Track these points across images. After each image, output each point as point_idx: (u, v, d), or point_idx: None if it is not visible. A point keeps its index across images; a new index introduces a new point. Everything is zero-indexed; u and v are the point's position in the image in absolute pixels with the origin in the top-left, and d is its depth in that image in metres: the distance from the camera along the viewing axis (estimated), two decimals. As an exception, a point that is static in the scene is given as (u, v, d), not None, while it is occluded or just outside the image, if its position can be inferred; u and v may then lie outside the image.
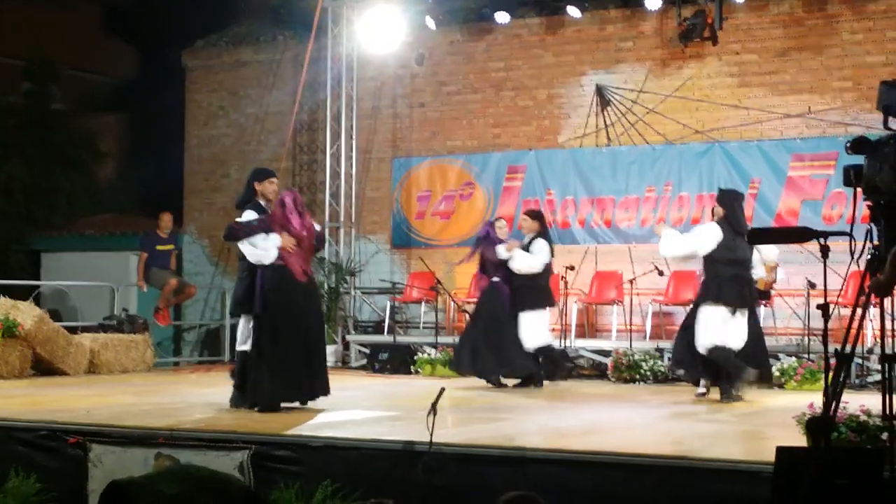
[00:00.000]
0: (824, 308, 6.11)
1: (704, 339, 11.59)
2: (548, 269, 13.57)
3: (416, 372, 15.38)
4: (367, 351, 16.81)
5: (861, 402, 7.31)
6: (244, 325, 10.62)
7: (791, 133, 16.06)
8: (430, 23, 17.74)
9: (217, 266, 19.99)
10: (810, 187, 15.73)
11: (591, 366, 15.74)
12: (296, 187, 19.39)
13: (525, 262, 13.42)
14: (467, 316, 15.23)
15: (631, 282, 15.76)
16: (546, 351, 13.54)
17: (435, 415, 7.47)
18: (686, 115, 16.69)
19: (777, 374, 13.38)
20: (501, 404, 11.55)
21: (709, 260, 11.77)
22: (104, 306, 17.83)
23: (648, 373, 14.25)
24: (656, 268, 14.65)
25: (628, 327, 15.81)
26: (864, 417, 7.11)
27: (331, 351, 15.68)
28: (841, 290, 12.55)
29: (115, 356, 15.40)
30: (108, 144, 24.95)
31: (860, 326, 5.88)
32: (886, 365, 5.82)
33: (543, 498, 6.49)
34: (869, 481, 5.85)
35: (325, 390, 10.41)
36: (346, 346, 17.71)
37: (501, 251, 13.50)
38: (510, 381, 13.52)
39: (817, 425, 6.02)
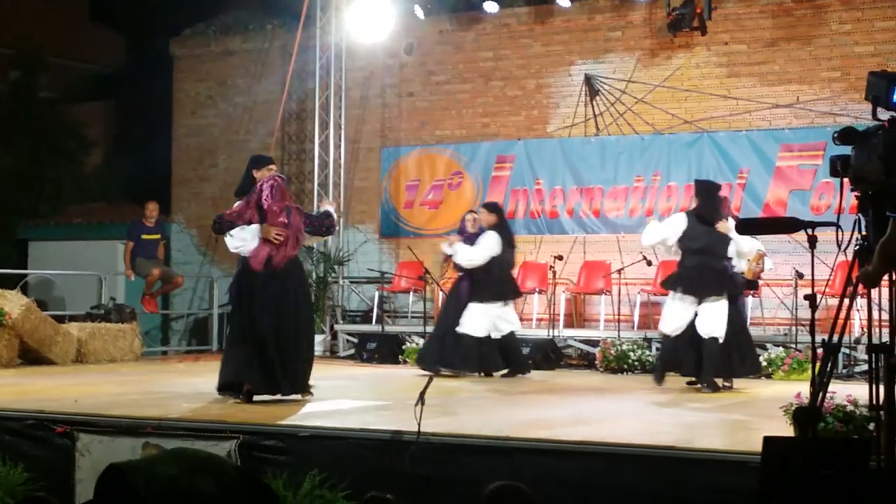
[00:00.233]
0: (812, 298, 6.11)
1: (662, 326, 12.10)
2: (499, 261, 13.48)
3: (405, 361, 15.37)
4: (355, 340, 16.81)
5: (848, 393, 7.33)
6: None
7: (780, 123, 16.08)
8: (419, 12, 17.72)
9: (205, 255, 19.96)
10: (798, 177, 15.75)
11: (579, 356, 15.76)
12: (284, 176, 19.36)
13: (465, 256, 13.54)
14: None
15: (619, 271, 15.78)
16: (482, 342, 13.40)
17: (423, 405, 7.47)
18: (675, 104, 16.71)
19: (764, 364, 13.42)
20: (490, 394, 11.56)
21: (679, 249, 12.01)
22: (92, 295, 17.79)
23: (636, 363, 14.27)
24: (644, 257, 14.66)
25: (616, 317, 15.83)
26: (850, 408, 7.12)
27: (319, 340, 15.66)
28: (828, 280, 12.60)
29: (102, 345, 15.36)
30: (96, 133, 24.87)
31: (847, 317, 5.88)
32: (873, 355, 5.83)
33: (532, 488, 6.49)
34: (855, 471, 5.86)
35: (294, 387, 10.05)
36: (335, 335, 17.71)
37: (444, 247, 13.68)
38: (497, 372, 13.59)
39: (804, 415, 6.03)
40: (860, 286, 5.86)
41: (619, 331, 15.22)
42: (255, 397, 9.93)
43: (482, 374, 13.43)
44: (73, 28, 26.79)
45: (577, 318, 16.87)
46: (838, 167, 6.05)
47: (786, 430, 7.26)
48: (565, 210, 17.17)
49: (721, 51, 16.47)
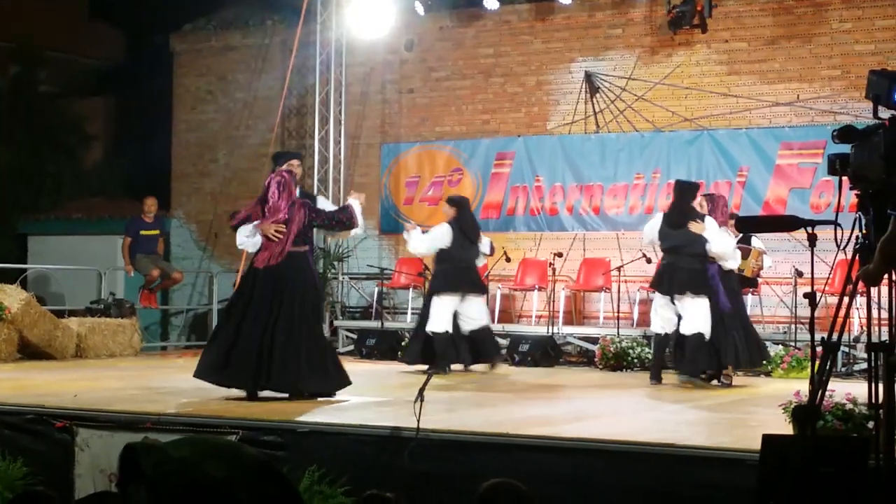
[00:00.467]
0: (811, 297, 6.11)
1: (651, 326, 12.58)
2: (449, 254, 13.46)
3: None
4: (354, 336, 16.82)
5: (847, 391, 7.34)
6: None
7: (780, 121, 16.08)
8: (420, 8, 17.72)
9: (204, 251, 19.97)
10: (798, 175, 15.75)
11: (578, 353, 15.76)
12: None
13: (411, 244, 13.75)
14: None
15: (619, 269, 15.78)
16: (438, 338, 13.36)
17: (422, 401, 7.48)
18: (675, 102, 16.71)
19: (763, 361, 13.42)
20: (489, 391, 11.57)
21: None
22: (91, 290, 17.80)
23: (636, 360, 14.27)
24: (644, 255, 14.67)
25: (616, 314, 15.83)
26: (849, 406, 7.14)
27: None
28: (828, 278, 12.60)
29: (102, 340, 15.36)
30: (96, 128, 24.85)
31: (847, 315, 5.89)
32: (872, 354, 5.83)
33: (530, 485, 6.49)
34: (854, 470, 5.87)
35: (278, 385, 9.91)
36: (334, 331, 17.69)
37: (404, 233, 13.80)
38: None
39: (803, 413, 6.03)
40: (860, 284, 5.86)
41: (618, 328, 15.23)
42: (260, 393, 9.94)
43: (466, 369, 13.46)
44: (73, 23, 26.76)
45: (576, 315, 16.87)
46: (837, 166, 6.06)
47: (785, 428, 7.27)
48: (565, 207, 17.17)
49: (721, 48, 16.47)
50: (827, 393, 6.32)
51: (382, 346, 15.88)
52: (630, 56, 17.04)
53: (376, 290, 17.75)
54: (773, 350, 13.71)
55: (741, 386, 12.25)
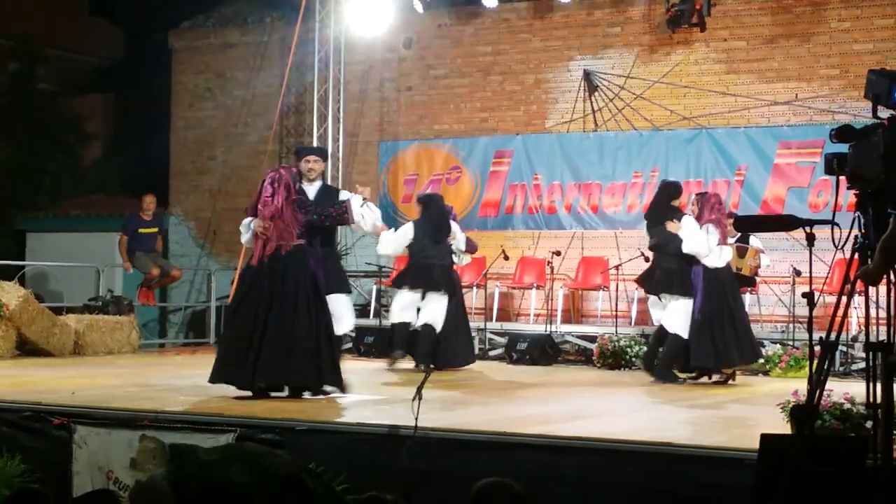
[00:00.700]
0: (809, 296, 6.12)
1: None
2: (410, 251, 13.65)
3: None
4: (352, 334, 16.77)
5: (845, 391, 7.34)
6: None
7: (778, 120, 16.08)
8: (418, 6, 17.71)
9: (203, 248, 19.97)
10: (797, 175, 15.76)
11: (576, 351, 15.76)
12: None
13: (379, 246, 13.92)
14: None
15: (617, 267, 15.77)
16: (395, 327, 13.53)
17: (420, 399, 7.47)
18: (673, 101, 16.71)
19: (762, 361, 13.44)
20: (487, 389, 11.57)
21: None
22: (89, 287, 17.77)
23: (634, 359, 14.26)
24: (642, 254, 14.64)
25: (614, 313, 15.83)
26: (847, 405, 7.13)
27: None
28: (826, 277, 12.61)
29: (100, 337, 15.34)
30: (95, 125, 24.83)
31: (845, 314, 5.89)
32: (870, 353, 5.83)
33: (528, 483, 6.50)
34: (852, 469, 5.87)
35: (267, 381, 9.84)
36: (332, 329, 17.69)
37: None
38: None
39: (801, 413, 6.04)
40: (858, 284, 5.87)
41: (616, 327, 15.23)
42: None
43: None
44: (72, 20, 26.72)
45: (574, 313, 16.88)
46: (834, 165, 6.06)
47: (783, 427, 7.27)
48: (563, 205, 17.17)
49: (720, 47, 16.47)
50: (825, 392, 6.32)
51: (380, 344, 15.83)
52: (629, 54, 17.04)
53: (374, 287, 17.74)
54: (772, 349, 13.72)
55: (739, 385, 12.26)
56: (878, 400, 5.68)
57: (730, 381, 12.26)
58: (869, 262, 5.74)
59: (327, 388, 9.94)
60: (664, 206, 12.38)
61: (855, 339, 13.14)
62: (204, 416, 8.55)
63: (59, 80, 24.96)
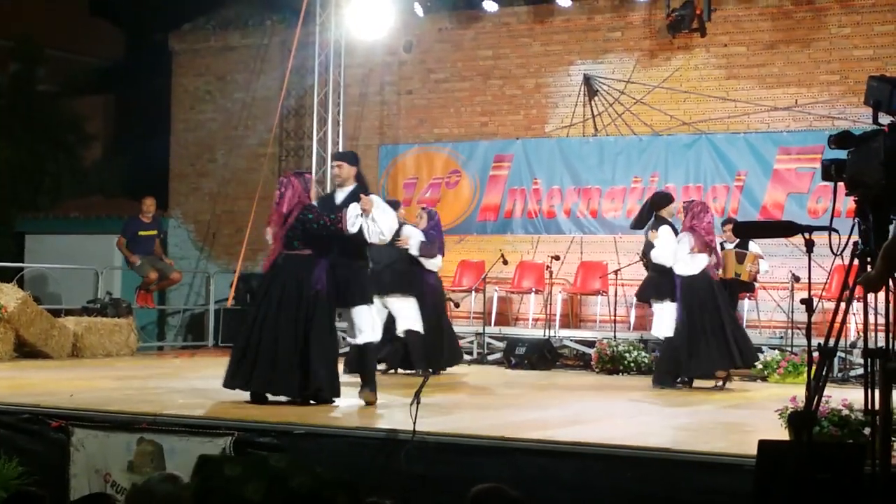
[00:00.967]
0: (808, 302, 6.11)
1: None
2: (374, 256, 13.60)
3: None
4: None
5: (843, 397, 7.33)
6: None
7: (778, 126, 16.09)
8: (419, 10, 17.72)
9: (202, 251, 19.96)
10: (796, 180, 15.77)
11: (575, 356, 15.75)
12: (282, 173, 19.35)
13: None
14: (453, 305, 15.23)
15: (616, 272, 15.77)
16: None
17: (419, 404, 7.47)
18: (673, 106, 16.71)
19: (760, 366, 13.45)
20: (485, 394, 11.56)
21: None
22: (88, 289, 17.77)
23: (632, 364, 14.26)
24: (641, 259, 14.65)
25: (612, 318, 15.82)
26: (846, 412, 7.13)
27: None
28: (825, 284, 12.61)
29: (98, 340, 15.33)
30: (95, 127, 24.82)
31: (843, 321, 5.89)
32: (869, 360, 5.83)
33: (527, 489, 6.49)
34: (850, 476, 5.86)
35: (287, 390, 9.75)
36: (331, 332, 17.68)
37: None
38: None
39: (800, 419, 6.03)
40: (857, 290, 5.86)
41: (615, 331, 15.23)
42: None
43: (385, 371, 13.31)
44: (72, 21, 26.73)
45: (573, 318, 16.88)
46: (832, 171, 6.07)
47: (781, 433, 7.27)
48: (563, 210, 17.17)
49: (720, 52, 16.48)
50: (823, 399, 6.32)
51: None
52: (629, 59, 17.04)
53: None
54: (770, 355, 13.71)
55: (737, 391, 12.26)
56: (877, 406, 5.68)
57: (725, 386, 12.26)
58: (869, 269, 5.74)
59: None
60: (645, 215, 12.68)
61: (853, 345, 13.14)
62: (202, 419, 8.54)
63: (59, 80, 24.95)
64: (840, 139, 6.04)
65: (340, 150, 18.58)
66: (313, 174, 18.44)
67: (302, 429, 8.17)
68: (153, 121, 21.37)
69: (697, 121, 16.54)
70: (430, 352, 13.32)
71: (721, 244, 15.03)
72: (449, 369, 13.65)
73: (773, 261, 14.99)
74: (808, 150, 15.56)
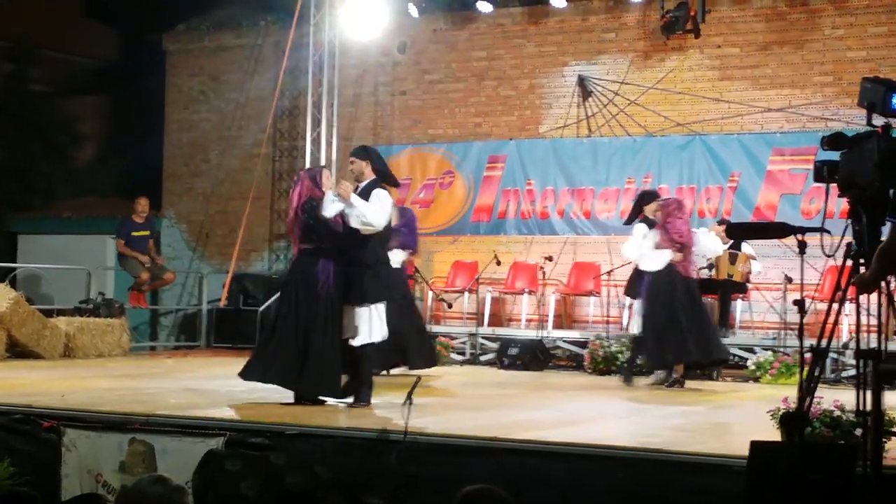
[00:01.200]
0: (800, 303, 6.11)
1: None
2: None
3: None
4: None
5: (835, 398, 7.34)
6: None
7: (771, 127, 16.09)
8: (413, 10, 17.71)
9: (195, 251, 19.94)
10: (789, 181, 15.77)
11: (567, 357, 15.75)
12: (276, 174, 19.37)
13: None
14: (445, 305, 15.22)
15: (609, 273, 15.78)
16: None
17: (411, 404, 7.46)
18: (667, 107, 16.71)
19: (752, 367, 13.47)
20: (477, 394, 11.56)
21: None
22: (81, 289, 17.73)
23: (624, 364, 14.24)
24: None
25: (605, 318, 15.83)
26: (837, 413, 7.13)
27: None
28: (818, 285, 12.62)
29: (90, 340, 15.30)
30: (88, 127, 24.81)
31: (836, 322, 5.89)
32: (861, 361, 5.83)
33: (518, 489, 6.49)
34: (842, 477, 5.87)
35: (290, 385, 9.78)
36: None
37: None
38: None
39: (791, 420, 6.03)
40: (850, 291, 5.86)
41: (607, 332, 15.23)
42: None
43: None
44: (66, 22, 26.71)
45: (566, 319, 16.87)
46: (824, 173, 6.08)
47: (773, 434, 7.26)
48: (556, 211, 17.16)
49: (714, 54, 16.48)
50: (815, 400, 6.32)
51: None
52: (623, 60, 17.04)
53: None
54: (763, 356, 13.71)
55: (729, 391, 12.27)
56: (869, 408, 5.68)
57: (684, 384, 12.35)
58: (862, 270, 5.74)
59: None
60: (633, 213, 12.89)
61: (846, 346, 13.14)
62: (194, 419, 8.52)
63: (53, 81, 24.93)
64: (833, 140, 6.04)
65: (334, 150, 18.62)
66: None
67: (294, 429, 8.16)
68: (147, 121, 21.34)
69: (691, 122, 16.55)
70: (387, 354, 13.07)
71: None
72: (423, 371, 13.31)
73: (765, 262, 15.01)
74: (802, 152, 15.56)
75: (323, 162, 18.47)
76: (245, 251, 18.65)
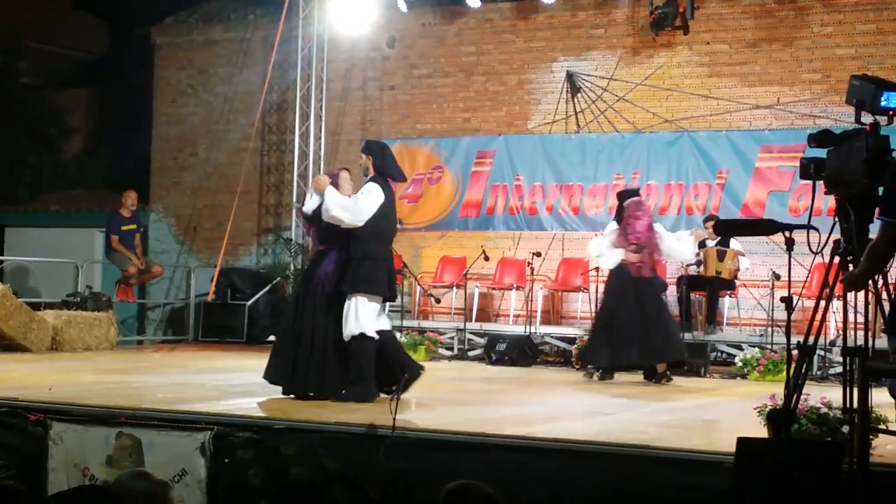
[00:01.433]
0: (787, 301, 6.13)
1: None
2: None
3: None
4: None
5: (822, 395, 7.35)
6: None
7: (760, 124, 16.12)
8: (402, 5, 17.70)
9: (182, 245, 19.91)
10: (778, 178, 15.79)
11: (555, 353, 15.76)
12: (264, 168, 19.36)
13: None
14: (433, 300, 15.22)
15: (597, 269, 15.74)
16: None
17: (398, 399, 7.46)
18: (656, 103, 16.73)
19: (740, 364, 13.48)
20: (465, 390, 11.56)
21: None
22: (68, 282, 17.70)
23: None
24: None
25: (593, 315, 15.81)
26: (824, 410, 7.13)
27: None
28: (805, 282, 12.64)
29: (78, 333, 15.26)
30: (76, 120, 24.76)
31: (823, 319, 5.90)
32: (848, 358, 5.85)
33: (506, 485, 6.49)
34: (828, 473, 5.88)
35: (301, 387, 9.82)
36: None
37: None
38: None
39: (778, 417, 6.05)
40: (837, 288, 5.88)
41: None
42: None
43: None
44: (54, 14, 26.65)
45: (554, 315, 16.87)
46: (811, 170, 6.09)
47: (760, 430, 7.27)
48: (544, 207, 17.16)
49: (703, 50, 16.50)
50: (802, 396, 6.33)
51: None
52: (612, 56, 17.05)
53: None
54: (750, 353, 13.73)
55: (717, 388, 12.29)
56: (855, 405, 5.69)
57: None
58: (850, 268, 5.76)
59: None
60: (618, 210, 12.82)
61: (833, 343, 13.16)
62: (181, 413, 8.51)
63: (40, 73, 24.87)
64: (820, 138, 6.05)
65: (322, 145, 18.62)
66: (295, 169, 18.48)
67: (282, 423, 8.16)
68: (135, 114, 21.31)
69: (680, 118, 16.57)
70: None
71: (703, 242, 15.10)
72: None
73: (753, 258, 15.03)
74: (790, 149, 15.57)
75: (311, 156, 18.46)
76: (233, 245, 18.64)
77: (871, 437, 5.94)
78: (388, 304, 10.19)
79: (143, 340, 19.19)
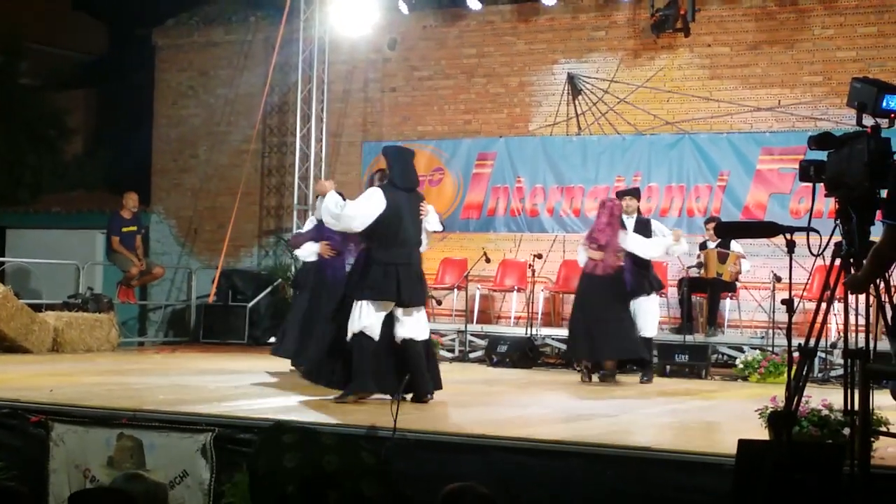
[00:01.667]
0: (788, 303, 6.12)
1: None
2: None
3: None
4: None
5: (823, 397, 7.35)
6: None
7: (761, 126, 16.12)
8: (403, 7, 17.70)
9: (183, 246, 19.91)
10: (778, 181, 15.79)
11: (556, 354, 15.75)
12: (265, 170, 19.36)
13: None
14: (435, 302, 15.21)
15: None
16: None
17: (399, 401, 7.45)
18: (657, 105, 16.73)
19: (741, 366, 13.49)
20: (466, 391, 11.56)
21: None
22: (69, 284, 17.71)
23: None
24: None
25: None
26: (825, 412, 7.13)
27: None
28: (806, 284, 12.63)
29: (79, 335, 15.26)
30: (76, 121, 24.77)
31: (824, 321, 5.90)
32: (849, 360, 5.85)
33: (506, 486, 6.49)
34: (829, 476, 5.88)
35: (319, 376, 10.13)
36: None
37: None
38: None
39: (779, 419, 6.04)
40: (838, 290, 5.88)
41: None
42: None
43: None
44: (55, 15, 26.66)
45: (555, 316, 16.87)
46: (811, 172, 6.08)
47: (761, 433, 7.27)
48: (545, 209, 17.17)
49: (704, 53, 16.50)
50: (803, 399, 6.33)
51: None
52: (613, 59, 17.05)
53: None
54: (751, 355, 13.73)
55: (719, 390, 12.29)
56: (857, 407, 5.69)
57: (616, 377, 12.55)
58: (852, 270, 5.76)
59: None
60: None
61: (834, 345, 13.15)
62: (182, 415, 8.51)
63: (40, 74, 24.88)
64: (820, 140, 6.05)
65: (323, 146, 18.62)
66: (296, 171, 18.48)
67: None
68: (135, 116, 21.31)
69: (680, 120, 16.57)
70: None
71: (704, 244, 15.11)
72: None
73: (754, 261, 15.03)
74: (791, 151, 15.57)
75: (312, 158, 18.47)
76: (234, 247, 18.65)
77: (872, 439, 5.95)
78: (421, 309, 10.07)
79: (144, 342, 19.19)
